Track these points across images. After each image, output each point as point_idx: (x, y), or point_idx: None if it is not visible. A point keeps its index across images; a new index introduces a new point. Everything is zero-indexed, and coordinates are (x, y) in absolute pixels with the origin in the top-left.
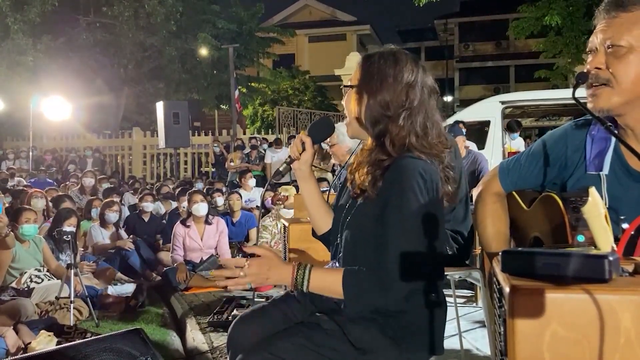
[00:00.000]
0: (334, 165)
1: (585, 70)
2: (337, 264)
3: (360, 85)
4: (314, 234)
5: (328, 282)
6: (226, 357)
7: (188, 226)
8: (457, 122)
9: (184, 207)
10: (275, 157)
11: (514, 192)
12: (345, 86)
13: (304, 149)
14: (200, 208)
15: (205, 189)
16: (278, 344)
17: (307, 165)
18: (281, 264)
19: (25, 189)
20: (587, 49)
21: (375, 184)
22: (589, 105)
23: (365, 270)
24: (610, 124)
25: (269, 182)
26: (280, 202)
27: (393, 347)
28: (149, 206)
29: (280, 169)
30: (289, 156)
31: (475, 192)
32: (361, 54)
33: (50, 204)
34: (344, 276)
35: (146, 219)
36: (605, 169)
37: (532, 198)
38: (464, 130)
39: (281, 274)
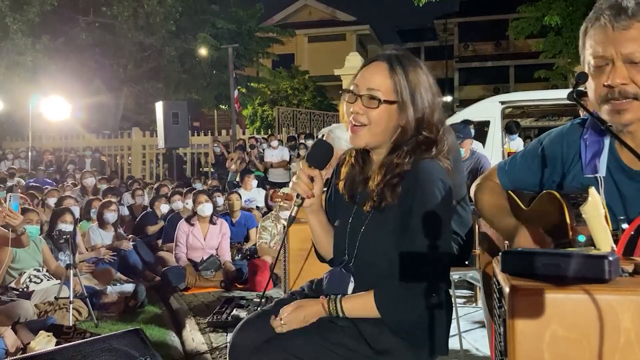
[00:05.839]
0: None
1: (605, 84)
2: (345, 271)
3: (399, 99)
4: (319, 257)
5: (360, 305)
6: (225, 358)
7: (192, 224)
8: (466, 123)
9: (185, 205)
10: (274, 156)
11: (511, 193)
12: (385, 101)
13: (312, 182)
14: (205, 208)
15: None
16: (293, 342)
17: (319, 198)
18: (310, 302)
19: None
20: (594, 59)
21: (394, 191)
22: (611, 119)
23: (395, 285)
24: (610, 124)
25: (285, 230)
26: (279, 200)
27: (406, 347)
28: (165, 207)
29: (293, 213)
30: (298, 195)
31: (473, 186)
32: (360, 54)
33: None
34: (376, 297)
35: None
36: (602, 171)
37: (530, 198)
38: (472, 131)
39: (314, 310)
